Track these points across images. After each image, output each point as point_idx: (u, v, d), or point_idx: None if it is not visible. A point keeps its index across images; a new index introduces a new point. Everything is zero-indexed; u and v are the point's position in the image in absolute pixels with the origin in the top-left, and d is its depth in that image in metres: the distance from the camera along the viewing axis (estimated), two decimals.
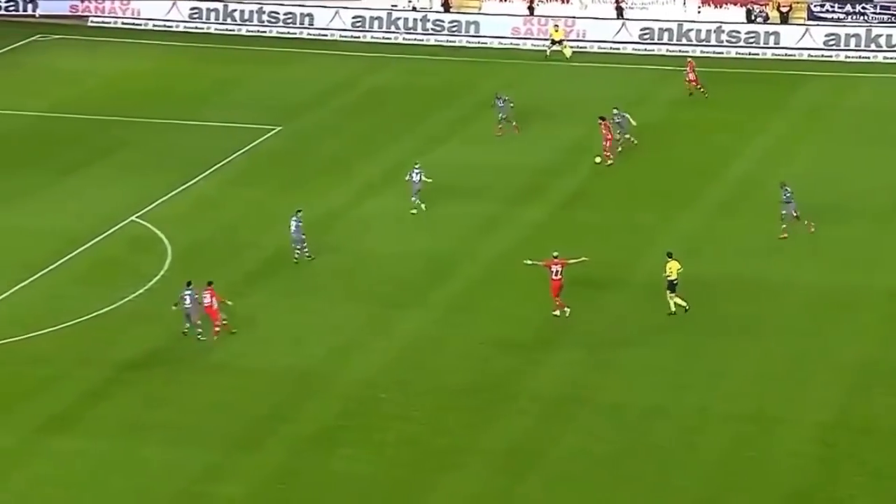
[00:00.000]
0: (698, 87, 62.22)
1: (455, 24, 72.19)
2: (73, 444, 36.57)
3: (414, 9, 73.58)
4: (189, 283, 41.78)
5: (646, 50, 69.92)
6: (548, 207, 50.74)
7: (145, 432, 37.03)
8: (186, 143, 57.48)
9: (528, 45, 70.42)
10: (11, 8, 75.51)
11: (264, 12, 73.64)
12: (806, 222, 47.25)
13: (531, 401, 38.28)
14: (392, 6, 73.65)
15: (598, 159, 53.84)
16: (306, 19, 73.35)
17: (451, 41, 71.61)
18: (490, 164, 54.71)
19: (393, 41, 71.81)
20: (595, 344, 41.10)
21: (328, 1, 73.48)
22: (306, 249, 46.16)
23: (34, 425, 37.31)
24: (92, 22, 74.81)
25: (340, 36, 72.46)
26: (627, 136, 55.15)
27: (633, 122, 55.19)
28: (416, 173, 50.16)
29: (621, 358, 40.34)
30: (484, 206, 50.80)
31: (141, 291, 44.52)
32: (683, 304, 42.47)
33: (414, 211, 49.87)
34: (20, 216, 50.62)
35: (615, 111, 55.07)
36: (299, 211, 46.53)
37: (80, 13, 75.12)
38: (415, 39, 71.84)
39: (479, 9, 73.70)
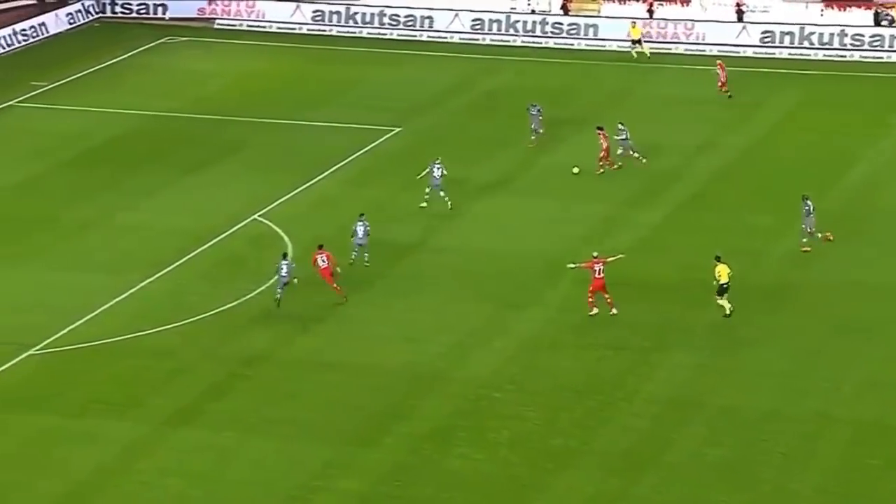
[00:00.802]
0: (725, 89, 61.37)
1: (574, 26, 71.95)
2: (196, 436, 37.10)
3: (533, 11, 73.48)
4: (285, 255, 43.04)
5: (766, 53, 69.11)
6: (663, 209, 50.38)
7: (266, 427, 37.43)
8: (308, 143, 57.96)
9: (648, 47, 69.96)
10: (143, 11, 76.74)
11: (385, 15, 73.99)
12: (820, 235, 46.33)
13: (645, 403, 38.03)
14: (511, 9, 73.60)
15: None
16: (426, 22, 73.56)
17: (569, 44, 71.39)
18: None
19: (511, 44, 71.77)
20: (709, 346, 40.75)
21: (448, 4, 73.63)
22: (366, 255, 46.00)
23: (161, 417, 37.91)
24: (218, 24, 75.75)
25: (460, 38, 72.58)
26: (635, 154, 53.50)
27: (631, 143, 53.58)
28: (437, 168, 50.23)
29: (736, 361, 39.94)
30: (600, 207, 50.57)
31: (262, 288, 44.98)
32: (728, 307, 41.74)
33: (423, 205, 49.95)
34: (147, 214, 51.40)
35: (620, 126, 53.69)
36: (362, 215, 46.56)
37: (206, 16, 76.08)
38: (533, 42, 71.75)
39: (598, 11, 73.40)
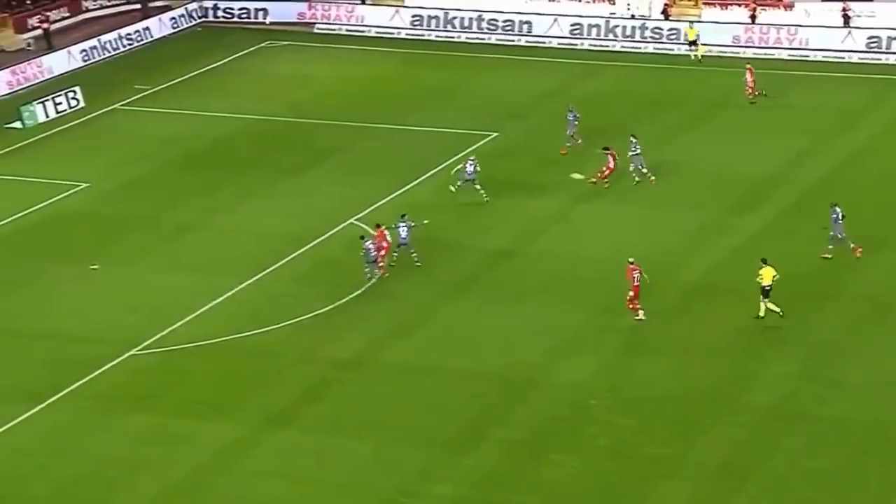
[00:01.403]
0: (755, 92, 60.43)
1: (674, 31, 71.41)
2: (292, 439, 37.34)
3: (633, 16, 73.09)
4: (363, 237, 44.76)
5: (872, 59, 68.09)
6: (763, 217, 49.83)
7: (361, 430, 37.55)
8: (405, 147, 58.07)
9: (749, 53, 69.29)
10: (244, 15, 77.41)
11: (483, 20, 73.96)
12: (852, 246, 45.43)
13: (744, 412, 37.61)
14: (611, 14, 73.27)
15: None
16: (525, 27, 73.43)
17: (669, 49, 70.89)
18: (707, 171, 53.98)
19: (610, 48, 71.42)
20: (812, 355, 40.21)
21: (547, 8, 73.46)
22: (414, 254, 46.37)
23: (258, 419, 38.21)
24: (318, 28, 76.19)
25: (558, 43, 72.37)
26: (644, 170, 52.56)
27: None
28: (471, 164, 51.21)
29: (842, 370, 39.35)
30: (698, 213, 50.14)
31: (358, 292, 45.14)
32: (777, 309, 41.25)
33: (478, 191, 51.17)
34: (246, 216, 51.79)
35: (632, 140, 52.89)
36: (404, 215, 46.79)
37: (306, 20, 76.56)
38: (632, 47, 71.34)
39: (700, 16, 72.79)
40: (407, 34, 74.72)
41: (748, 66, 62.48)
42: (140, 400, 39.31)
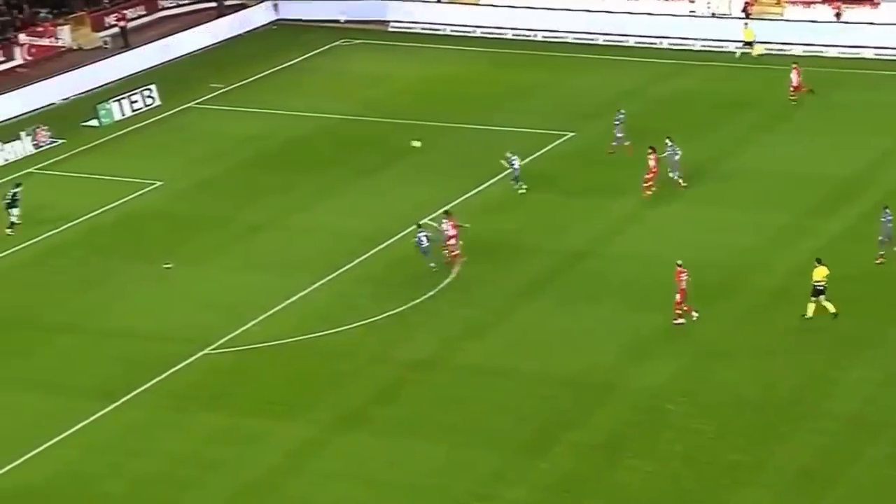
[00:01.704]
0: (802, 91, 59.62)
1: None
2: (365, 440, 37.44)
3: (713, 15, 72.57)
4: (419, 225, 45.14)
5: None
6: (847, 218, 49.28)
7: (433, 432, 37.59)
8: (480, 147, 58.00)
9: (834, 52, 68.57)
10: (319, 14, 77.57)
11: (562, 19, 73.62)
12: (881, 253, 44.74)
13: (825, 419, 37.22)
14: (690, 12, 72.80)
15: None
16: (604, 25, 73.02)
17: (748, 48, 70.26)
18: (787, 172, 53.50)
19: (690, 48, 70.96)
20: (893, 361, 39.66)
21: (626, 7, 73.16)
22: (447, 252, 46.75)
23: (331, 420, 38.36)
24: (393, 27, 76.34)
25: (636, 42, 72.02)
26: (674, 174, 51.93)
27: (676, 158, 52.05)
28: (514, 160, 51.89)
29: None
30: (779, 215, 49.70)
31: (432, 293, 45.17)
32: (832, 309, 40.84)
33: (522, 190, 52.16)
34: (320, 216, 52.00)
35: (668, 143, 52.27)
36: (448, 212, 47.27)
37: (381, 18, 76.71)
38: (713, 46, 70.82)
39: (781, 14, 72.16)
40: (484, 33, 74.63)
41: (794, 64, 61.61)
42: (213, 399, 39.60)
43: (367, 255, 48.22)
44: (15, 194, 51.62)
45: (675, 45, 71.34)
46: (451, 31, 75.16)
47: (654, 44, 71.66)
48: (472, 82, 67.21)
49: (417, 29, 75.81)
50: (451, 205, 51.58)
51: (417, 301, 44.73)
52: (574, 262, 46.91)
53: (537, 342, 41.91)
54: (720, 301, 43.64)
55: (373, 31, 75.60)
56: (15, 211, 51.38)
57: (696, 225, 49.41)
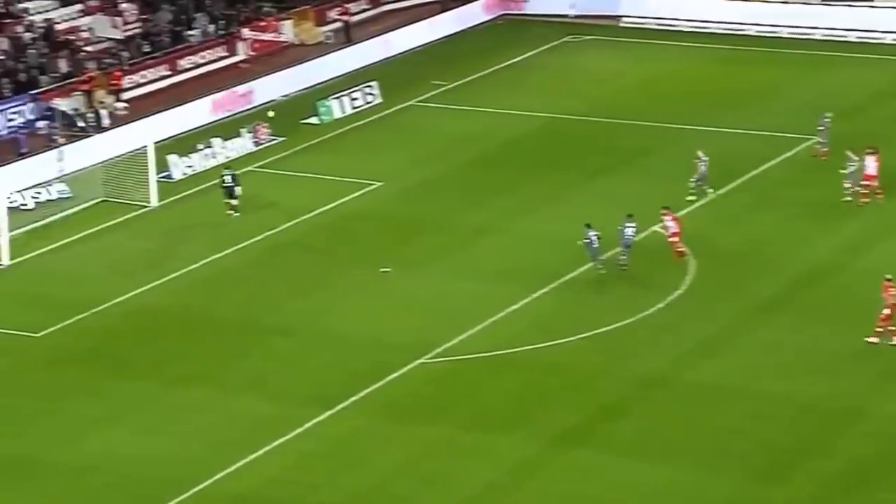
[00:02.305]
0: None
1: None
2: (587, 459, 37.27)
3: None
4: (588, 225, 46.01)
5: None
6: None
7: (661, 454, 37.20)
8: (714, 150, 57.09)
9: None
10: (545, 7, 77.53)
11: (809, 14, 72.18)
12: None
13: None
14: None
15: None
16: (855, 21, 71.32)
17: None
18: None
19: None
20: None
21: (882, 2, 71.34)
22: (624, 257, 46.77)
23: (551, 436, 38.29)
24: (624, 22, 75.92)
25: (893, 39, 70.06)
26: (705, 186, 51.50)
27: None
28: (703, 163, 51.26)
29: None
30: None
31: (660, 305, 44.76)
32: None
33: (710, 193, 51.70)
34: (545, 221, 51.96)
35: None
36: (631, 215, 46.82)
37: (613, 13, 76.34)
38: None
39: None
40: (719, 28, 73.65)
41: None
42: (429, 410, 39.88)
43: (591, 264, 47.88)
44: (234, 178, 53.15)
45: None
46: (688, 26, 74.33)
47: None
48: (710, 81, 66.42)
49: (651, 24, 75.22)
50: (682, 212, 51.03)
51: (646, 313, 44.34)
52: (819, 277, 45.92)
53: (776, 362, 41.14)
54: None
55: (603, 27, 75.27)
56: (238, 190, 52.91)
57: None
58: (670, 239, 47.44)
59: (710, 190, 52.44)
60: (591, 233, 46.56)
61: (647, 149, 57.97)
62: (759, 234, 49.41)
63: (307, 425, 39.08)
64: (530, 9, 77.53)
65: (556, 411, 39.46)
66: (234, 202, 53.29)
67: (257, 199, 54.60)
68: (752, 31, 73.15)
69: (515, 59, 70.67)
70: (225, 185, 53.69)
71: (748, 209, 51.77)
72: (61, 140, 58.50)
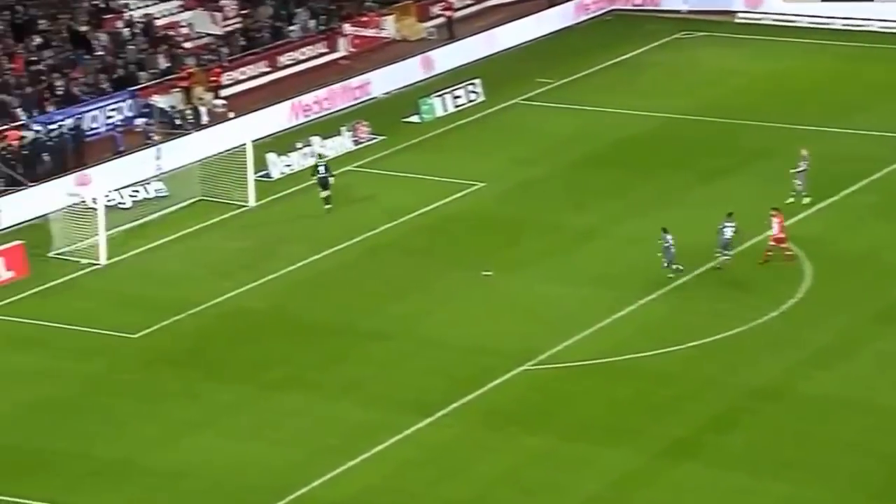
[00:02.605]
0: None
1: None
2: (696, 473, 37.13)
3: None
4: (664, 230, 45.90)
5: None
6: None
7: (775, 469, 36.97)
8: (834, 153, 56.74)
9: None
10: (658, 2, 77.20)
11: None
12: None
13: None
14: None
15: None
16: None
17: None
18: None
19: None
20: None
21: None
22: (728, 257, 46.54)
23: (658, 448, 38.20)
24: (740, 18, 75.40)
25: None
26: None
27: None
28: (803, 163, 51.30)
29: None
30: None
31: (774, 314, 44.48)
32: None
33: (790, 200, 51.18)
34: (654, 225, 51.48)
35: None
36: (731, 214, 46.52)
37: (728, 8, 75.81)
38: None
39: None
40: (843, 24, 72.80)
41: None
42: (532, 419, 39.92)
43: (702, 269, 47.74)
44: (328, 169, 53.87)
45: None
46: (808, 22, 73.62)
47: None
48: (832, 80, 65.83)
49: (768, 20, 74.61)
50: (799, 216, 50.67)
51: (759, 321, 44.09)
52: None
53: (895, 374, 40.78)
54: None
55: (717, 23, 74.79)
56: (331, 180, 53.61)
57: None
58: (771, 242, 47.03)
59: (805, 196, 51.82)
60: (668, 237, 46.51)
61: (764, 150, 57.52)
62: (881, 240, 48.92)
63: (406, 432, 39.29)
64: (641, 4, 77.21)
65: (663, 422, 39.36)
66: (327, 194, 53.84)
67: (356, 199, 54.99)
68: (875, 26, 72.25)
69: (625, 56, 70.44)
70: (319, 175, 54.30)
71: (870, 213, 51.27)
72: (159, 138, 59.29)
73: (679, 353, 42.77)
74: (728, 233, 47.09)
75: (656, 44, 72.19)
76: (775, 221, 47.46)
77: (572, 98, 65.47)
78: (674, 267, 46.84)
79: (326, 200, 54.02)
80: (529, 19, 74.34)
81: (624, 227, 51.66)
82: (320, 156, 56.17)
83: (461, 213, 53.95)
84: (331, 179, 54.17)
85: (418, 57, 68.81)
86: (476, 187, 55.98)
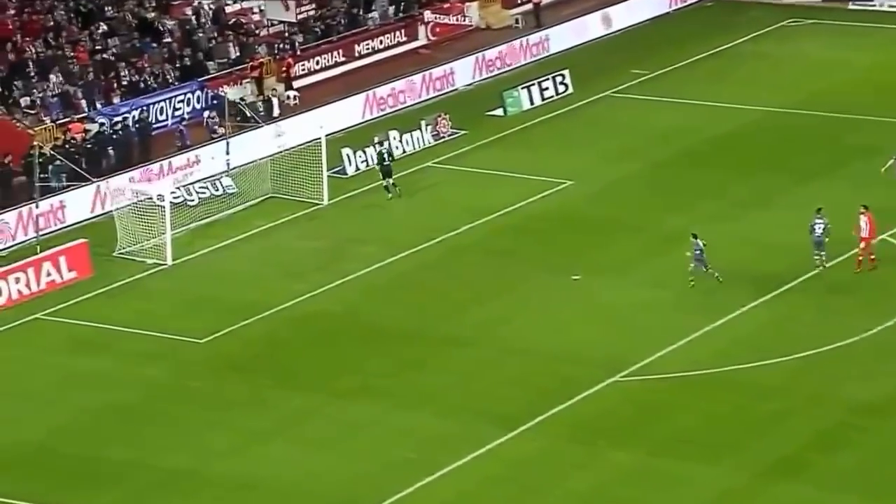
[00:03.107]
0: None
1: None
2: (801, 493, 36.84)
3: None
4: (694, 235, 46.27)
5: None
6: None
7: (885, 490, 36.66)
8: None
9: None
10: None
11: None
12: None
13: None
14: None
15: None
16: None
17: None
18: None
19: None
20: None
21: None
22: (823, 255, 46.44)
23: (760, 466, 37.93)
24: (853, 5, 74.67)
25: None
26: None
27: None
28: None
29: None
30: None
31: (889, 324, 44.05)
32: None
33: None
34: (755, 227, 51.50)
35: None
36: (820, 209, 46.41)
37: None
38: None
39: None
40: None
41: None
42: (623, 434, 39.78)
43: (806, 276, 47.33)
44: (392, 156, 54.40)
45: None
46: None
47: None
48: None
49: (885, 6, 73.85)
50: None
51: (871, 332, 43.71)
52: None
53: None
54: None
55: (828, 10, 74.12)
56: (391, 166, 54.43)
57: None
58: (861, 245, 46.48)
59: None
60: (699, 242, 46.35)
61: (874, 147, 56.86)
62: None
63: (487, 446, 39.23)
64: None
65: (765, 439, 39.10)
66: (391, 182, 53.94)
67: (436, 198, 55.04)
68: None
69: (727, 46, 70.03)
70: (384, 164, 54.50)
71: None
72: (228, 131, 59.57)
73: (782, 365, 42.48)
74: (818, 230, 46.68)
75: (760, 32, 71.69)
76: (864, 220, 46.89)
77: (667, 91, 65.20)
78: (715, 275, 46.41)
79: (391, 190, 54.23)
80: (621, 6, 73.93)
81: (722, 229, 51.12)
82: (381, 142, 56.38)
83: (547, 212, 53.85)
84: (391, 165, 54.41)
85: (494, 49, 68.68)
86: (564, 185, 55.87)
